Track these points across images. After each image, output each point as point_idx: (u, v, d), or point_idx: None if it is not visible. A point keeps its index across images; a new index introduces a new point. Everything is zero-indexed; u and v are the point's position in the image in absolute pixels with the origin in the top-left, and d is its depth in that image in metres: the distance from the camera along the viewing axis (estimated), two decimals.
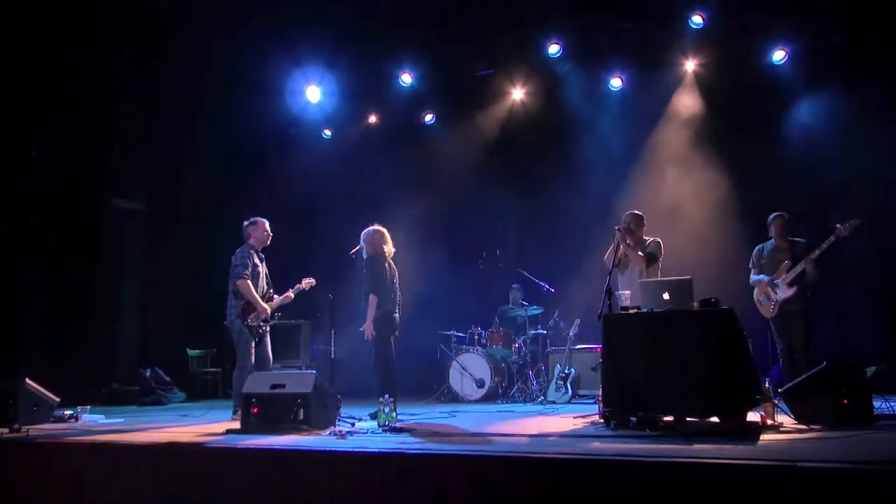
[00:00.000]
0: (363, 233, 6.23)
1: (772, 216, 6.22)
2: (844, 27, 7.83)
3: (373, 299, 5.98)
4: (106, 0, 8.61)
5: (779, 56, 8.26)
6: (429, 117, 10.15)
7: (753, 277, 6.26)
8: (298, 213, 10.23)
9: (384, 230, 6.24)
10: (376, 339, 6.00)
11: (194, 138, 9.68)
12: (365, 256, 6.18)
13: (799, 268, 5.92)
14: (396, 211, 8.60)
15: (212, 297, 9.25)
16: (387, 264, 6.16)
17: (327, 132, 10.32)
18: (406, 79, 9.49)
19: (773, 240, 6.21)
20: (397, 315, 6.21)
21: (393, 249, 6.26)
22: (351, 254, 6.42)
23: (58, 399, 5.91)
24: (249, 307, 5.88)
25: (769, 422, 4.34)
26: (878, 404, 4.62)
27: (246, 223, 6.15)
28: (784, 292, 6.00)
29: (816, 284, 5.98)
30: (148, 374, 8.56)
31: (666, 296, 4.78)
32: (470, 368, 7.97)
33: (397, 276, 6.28)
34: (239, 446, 4.00)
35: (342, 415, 5.12)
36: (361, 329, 6.06)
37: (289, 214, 9.88)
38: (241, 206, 9.57)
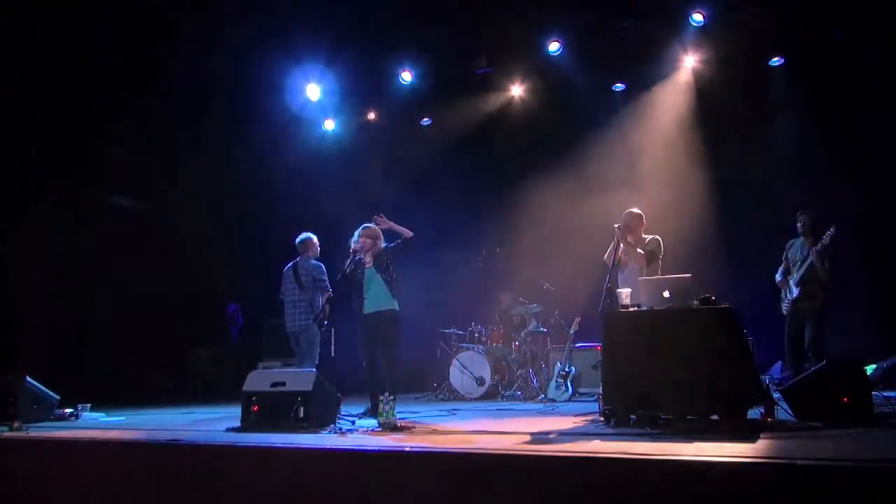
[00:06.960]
0: (370, 227, 6.26)
1: (798, 213, 6.19)
2: (844, 28, 7.82)
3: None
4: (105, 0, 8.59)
5: (776, 56, 8.25)
6: (426, 118, 10.14)
7: (777, 277, 6.26)
8: (297, 211, 10.22)
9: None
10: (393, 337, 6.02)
11: (194, 137, 9.67)
12: (383, 245, 6.21)
13: (805, 266, 5.91)
14: (396, 209, 8.58)
15: (211, 297, 9.31)
16: None
17: (329, 124, 10.31)
18: (406, 76, 9.49)
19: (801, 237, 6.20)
20: None
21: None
22: (351, 253, 6.39)
23: (58, 397, 5.91)
24: (325, 314, 6.42)
25: (769, 420, 4.34)
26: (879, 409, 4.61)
27: (304, 237, 6.77)
28: (794, 292, 6.01)
29: (829, 284, 5.97)
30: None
31: (666, 294, 4.77)
32: (470, 366, 7.97)
33: None
34: (239, 444, 4.00)
35: (342, 413, 5.12)
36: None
37: (288, 213, 9.88)
38: (240, 206, 9.64)
